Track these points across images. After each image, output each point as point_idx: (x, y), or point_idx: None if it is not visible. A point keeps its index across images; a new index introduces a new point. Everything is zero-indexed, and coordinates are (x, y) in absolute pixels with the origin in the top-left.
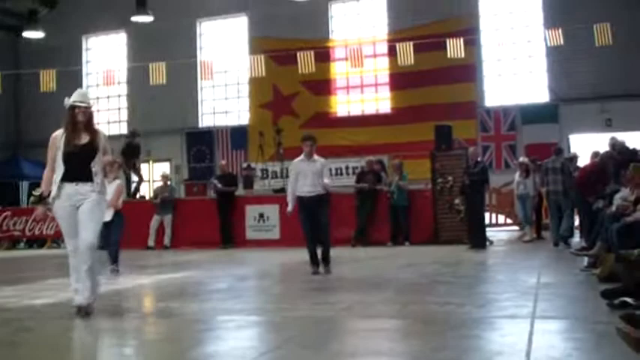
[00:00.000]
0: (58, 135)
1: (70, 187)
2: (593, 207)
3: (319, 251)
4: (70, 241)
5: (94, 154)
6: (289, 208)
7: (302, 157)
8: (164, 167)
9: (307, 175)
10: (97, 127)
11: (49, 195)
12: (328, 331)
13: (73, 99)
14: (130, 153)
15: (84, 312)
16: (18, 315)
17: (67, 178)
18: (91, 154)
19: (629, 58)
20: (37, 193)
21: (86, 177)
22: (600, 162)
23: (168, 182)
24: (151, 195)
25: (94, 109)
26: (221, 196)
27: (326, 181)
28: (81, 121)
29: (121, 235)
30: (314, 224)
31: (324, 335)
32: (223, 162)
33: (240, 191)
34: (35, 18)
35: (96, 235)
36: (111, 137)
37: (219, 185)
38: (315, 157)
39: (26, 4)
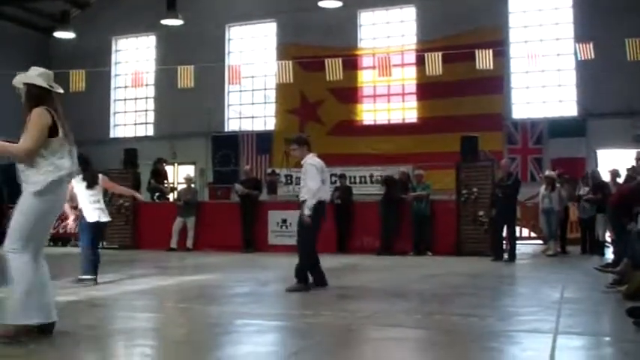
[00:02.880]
0: None
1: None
2: (627, 228)
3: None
4: None
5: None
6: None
7: (318, 158)
8: (189, 170)
9: (327, 180)
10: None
11: None
12: (349, 339)
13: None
14: (157, 177)
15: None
16: None
17: None
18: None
19: None
20: None
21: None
22: (637, 186)
23: (192, 185)
24: (175, 197)
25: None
26: (244, 201)
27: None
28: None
29: (85, 241)
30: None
31: (344, 343)
32: (248, 167)
33: (263, 196)
34: (67, 19)
35: (9, 236)
36: (137, 139)
37: (242, 188)
38: None
39: (58, 4)
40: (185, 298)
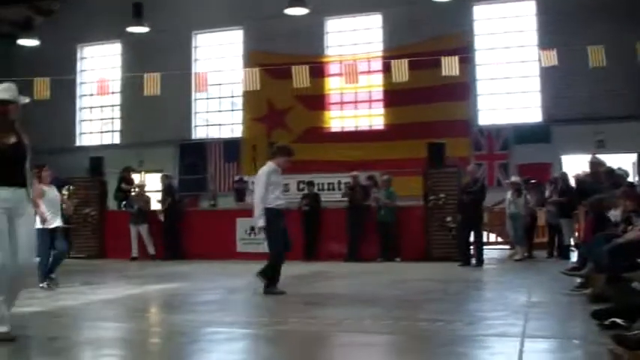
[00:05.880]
0: None
1: (5, 192)
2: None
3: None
4: None
5: (25, 155)
6: (262, 222)
7: (275, 167)
8: (156, 178)
9: (280, 187)
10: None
11: None
12: (318, 346)
13: (8, 94)
14: (126, 184)
15: (10, 338)
16: None
17: (2, 181)
18: (23, 156)
19: (621, 81)
20: None
21: (21, 182)
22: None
23: (145, 193)
24: (125, 205)
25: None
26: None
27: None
28: (11, 119)
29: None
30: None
31: (313, 350)
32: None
33: (231, 204)
34: (31, 26)
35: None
36: (104, 147)
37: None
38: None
39: (22, 11)
40: (152, 306)
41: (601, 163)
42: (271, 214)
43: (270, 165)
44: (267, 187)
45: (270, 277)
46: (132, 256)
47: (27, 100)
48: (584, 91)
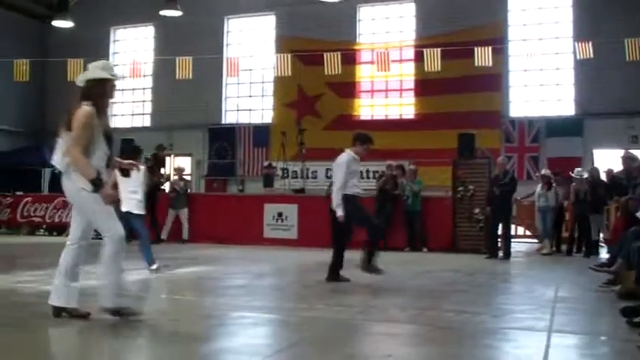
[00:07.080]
0: (94, 112)
1: (105, 175)
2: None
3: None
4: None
5: (113, 136)
6: (340, 212)
7: (354, 155)
8: (185, 162)
9: (357, 175)
10: None
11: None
12: (343, 332)
13: (108, 72)
14: (157, 163)
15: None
16: (33, 300)
17: (108, 164)
18: (113, 137)
19: None
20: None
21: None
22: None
23: (184, 176)
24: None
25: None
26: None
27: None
28: (108, 99)
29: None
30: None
31: (339, 337)
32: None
33: (259, 189)
34: (65, 7)
35: None
36: (134, 129)
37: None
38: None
39: None
40: (180, 289)
41: (634, 158)
42: (345, 200)
43: (349, 153)
44: (347, 175)
45: (334, 262)
46: (161, 238)
47: (125, 76)
48: (619, 85)
